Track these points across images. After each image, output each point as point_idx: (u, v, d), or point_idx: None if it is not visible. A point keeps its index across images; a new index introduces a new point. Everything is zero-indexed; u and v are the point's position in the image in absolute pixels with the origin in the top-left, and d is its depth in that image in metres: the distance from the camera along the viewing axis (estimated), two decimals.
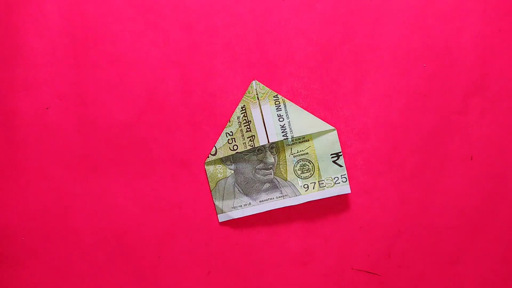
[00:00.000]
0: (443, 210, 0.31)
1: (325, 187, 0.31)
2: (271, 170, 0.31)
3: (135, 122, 0.31)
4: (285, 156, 0.31)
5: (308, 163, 0.31)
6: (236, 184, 0.31)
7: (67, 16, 0.31)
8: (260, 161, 0.31)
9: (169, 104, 0.31)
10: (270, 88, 0.31)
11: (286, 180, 0.31)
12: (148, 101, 0.31)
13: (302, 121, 0.31)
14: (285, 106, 0.31)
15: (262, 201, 0.31)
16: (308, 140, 0.31)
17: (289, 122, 0.31)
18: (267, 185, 0.31)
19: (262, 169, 0.31)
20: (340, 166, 0.31)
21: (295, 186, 0.31)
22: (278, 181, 0.31)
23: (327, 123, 0.31)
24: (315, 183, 0.31)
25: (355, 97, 0.31)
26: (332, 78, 0.31)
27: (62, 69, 0.31)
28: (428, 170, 0.31)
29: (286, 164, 0.31)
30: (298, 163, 0.31)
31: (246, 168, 0.31)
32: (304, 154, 0.31)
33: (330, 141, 0.31)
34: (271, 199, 0.31)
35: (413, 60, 0.31)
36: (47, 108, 0.31)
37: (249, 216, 0.31)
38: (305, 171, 0.31)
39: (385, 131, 0.31)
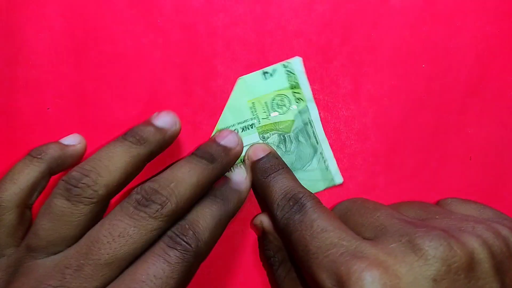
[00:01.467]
0: None
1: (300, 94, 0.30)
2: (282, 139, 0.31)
3: (136, 122, 0.31)
4: (266, 120, 0.30)
5: (280, 100, 0.30)
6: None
7: (68, 16, 0.31)
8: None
9: (169, 104, 0.31)
10: None
11: (291, 130, 0.30)
12: (149, 101, 0.31)
13: (237, 108, 0.30)
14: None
15: (319, 143, 0.30)
16: (253, 102, 0.30)
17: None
18: (302, 137, 0.30)
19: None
20: (293, 73, 0.30)
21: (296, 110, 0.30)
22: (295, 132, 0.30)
23: (327, 123, 0.31)
24: (300, 93, 0.30)
25: (355, 97, 0.31)
26: (331, 79, 0.31)
27: (63, 69, 0.31)
28: (427, 170, 0.31)
29: (274, 123, 0.30)
30: (276, 108, 0.30)
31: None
32: (273, 98, 0.30)
33: (251, 81, 0.30)
34: (315, 138, 0.31)
35: (412, 61, 0.31)
36: (48, 108, 0.31)
37: (249, 217, 0.31)
38: (282, 106, 0.30)
39: (385, 131, 0.31)
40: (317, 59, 0.31)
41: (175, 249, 0.21)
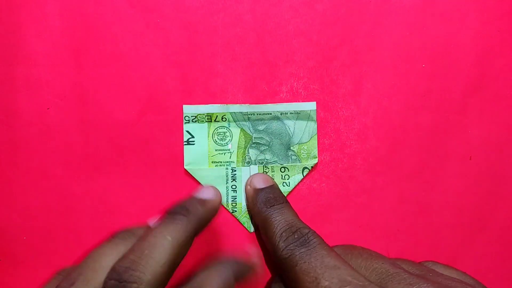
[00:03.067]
0: (442, 209, 0.31)
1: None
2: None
3: (135, 122, 0.31)
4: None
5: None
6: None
7: (68, 16, 0.31)
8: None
9: (169, 104, 0.31)
10: (269, 89, 0.31)
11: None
12: (148, 101, 0.31)
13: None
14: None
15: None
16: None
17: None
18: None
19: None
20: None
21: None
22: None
23: (327, 123, 0.31)
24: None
25: (355, 97, 0.31)
26: (331, 79, 0.31)
27: (63, 69, 0.31)
28: (427, 170, 0.31)
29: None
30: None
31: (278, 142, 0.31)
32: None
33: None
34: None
35: (412, 61, 0.31)
36: (47, 108, 0.31)
37: None
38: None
39: (385, 131, 0.31)
40: (317, 59, 0.31)
41: None
